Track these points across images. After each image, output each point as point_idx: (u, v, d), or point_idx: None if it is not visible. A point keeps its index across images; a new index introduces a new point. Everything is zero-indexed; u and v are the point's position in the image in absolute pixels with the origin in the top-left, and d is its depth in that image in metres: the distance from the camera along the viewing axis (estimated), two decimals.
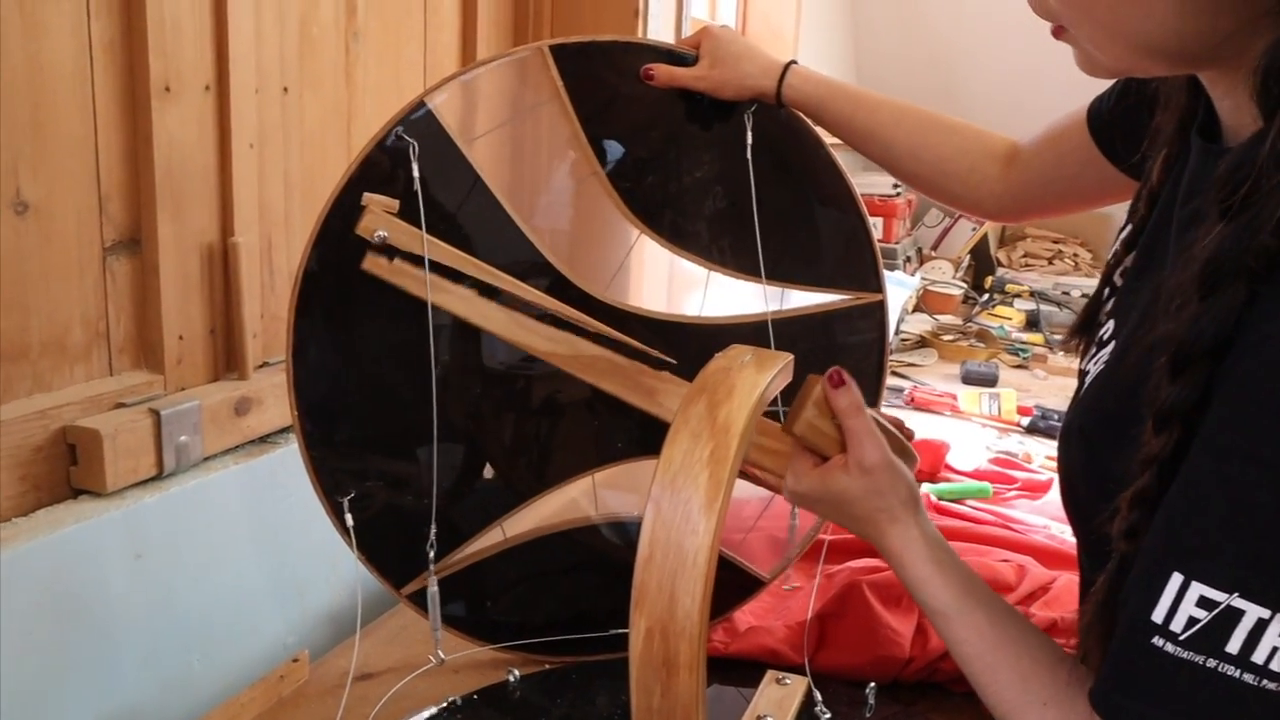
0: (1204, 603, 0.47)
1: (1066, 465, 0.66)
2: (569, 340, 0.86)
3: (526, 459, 0.91)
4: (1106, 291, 0.69)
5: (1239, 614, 0.46)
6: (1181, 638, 0.48)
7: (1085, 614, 0.56)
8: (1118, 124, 0.79)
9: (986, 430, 1.70)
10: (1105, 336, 0.65)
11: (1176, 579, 0.48)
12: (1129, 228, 0.69)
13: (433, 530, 0.85)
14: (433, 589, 0.85)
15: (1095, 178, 0.83)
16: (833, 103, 0.89)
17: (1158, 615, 0.49)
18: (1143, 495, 0.52)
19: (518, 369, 0.88)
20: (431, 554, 0.85)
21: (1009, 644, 0.61)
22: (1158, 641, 0.48)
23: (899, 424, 0.77)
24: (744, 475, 0.73)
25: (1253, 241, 0.47)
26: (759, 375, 0.58)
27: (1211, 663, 0.47)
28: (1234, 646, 0.46)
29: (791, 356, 0.65)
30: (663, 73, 0.87)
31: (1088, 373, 0.66)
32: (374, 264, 0.80)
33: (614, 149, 0.88)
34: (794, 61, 0.89)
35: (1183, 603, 0.48)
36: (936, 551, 0.67)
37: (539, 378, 0.88)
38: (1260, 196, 0.48)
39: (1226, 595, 0.47)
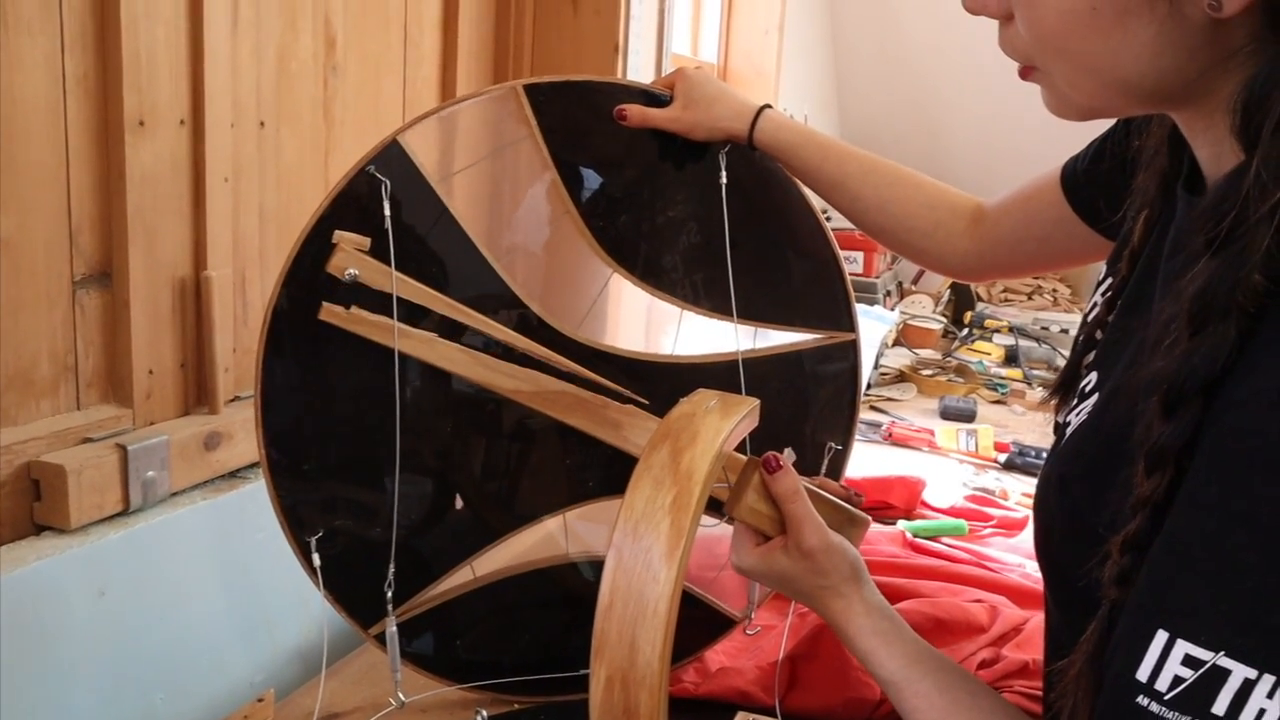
0: (1190, 661, 0.46)
1: (1044, 514, 0.66)
2: (532, 377, 0.85)
3: (498, 498, 0.90)
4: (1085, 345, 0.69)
5: (1225, 674, 0.45)
6: (1167, 697, 0.46)
7: (1073, 665, 0.54)
8: (1096, 185, 0.79)
9: (964, 466, 1.71)
10: (1087, 389, 0.64)
11: (1161, 636, 0.47)
12: (1109, 282, 0.68)
13: (391, 570, 0.84)
14: (391, 630, 0.84)
15: (1065, 238, 0.83)
16: (803, 150, 0.90)
17: (1142, 674, 0.47)
18: (1134, 539, 0.51)
19: (488, 409, 0.87)
20: (389, 594, 0.84)
21: (960, 711, 0.61)
22: (1142, 700, 0.47)
23: (846, 493, 0.78)
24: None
25: (1240, 277, 0.47)
26: (723, 421, 0.58)
27: None
28: (1220, 707, 0.45)
29: (757, 402, 0.65)
30: (635, 113, 0.87)
31: (1068, 424, 0.65)
32: (330, 313, 0.79)
33: (587, 188, 0.88)
34: (768, 105, 0.89)
35: (1168, 661, 0.47)
36: (880, 623, 0.68)
37: (509, 418, 0.88)
38: (1246, 229, 0.47)
39: (1212, 654, 0.45)
